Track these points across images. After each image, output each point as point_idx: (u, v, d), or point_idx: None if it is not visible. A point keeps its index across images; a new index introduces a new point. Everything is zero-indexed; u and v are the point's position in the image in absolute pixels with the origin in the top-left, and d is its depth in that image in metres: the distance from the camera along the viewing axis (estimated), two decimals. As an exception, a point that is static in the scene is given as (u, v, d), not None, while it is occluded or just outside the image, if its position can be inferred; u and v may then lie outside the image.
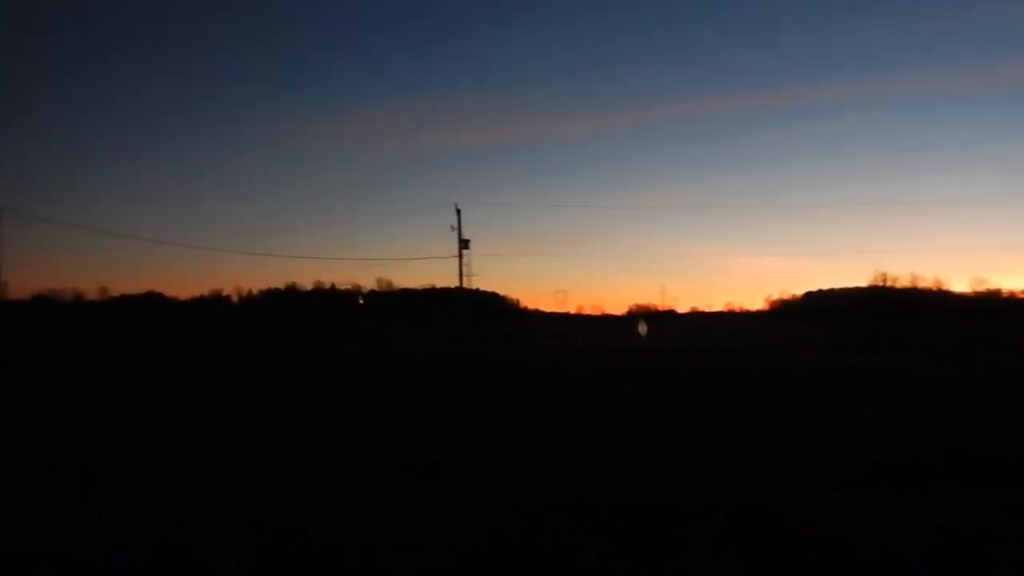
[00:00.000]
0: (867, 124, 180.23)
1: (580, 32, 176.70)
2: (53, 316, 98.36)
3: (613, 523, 5.74)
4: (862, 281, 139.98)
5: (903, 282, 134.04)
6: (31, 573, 4.72)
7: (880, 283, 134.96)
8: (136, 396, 15.08)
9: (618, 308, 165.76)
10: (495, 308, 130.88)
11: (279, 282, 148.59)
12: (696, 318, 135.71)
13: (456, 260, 60.91)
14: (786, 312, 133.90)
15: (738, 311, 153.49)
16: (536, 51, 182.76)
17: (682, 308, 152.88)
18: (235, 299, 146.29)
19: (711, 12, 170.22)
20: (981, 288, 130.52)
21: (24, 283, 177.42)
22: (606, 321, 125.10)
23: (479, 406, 13.44)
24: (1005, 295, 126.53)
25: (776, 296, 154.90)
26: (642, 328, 47.07)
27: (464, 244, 60.25)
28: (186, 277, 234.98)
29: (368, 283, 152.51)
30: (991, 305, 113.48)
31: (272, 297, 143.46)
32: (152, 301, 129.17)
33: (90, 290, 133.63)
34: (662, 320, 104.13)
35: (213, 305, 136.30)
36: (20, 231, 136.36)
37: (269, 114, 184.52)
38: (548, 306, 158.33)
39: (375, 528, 5.59)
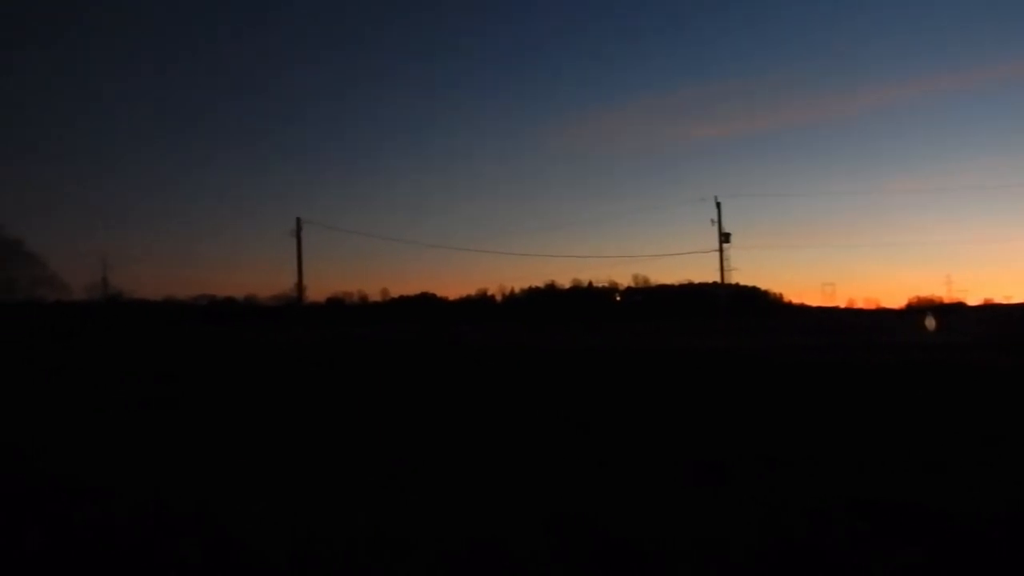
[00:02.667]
0: None
1: (843, 10, 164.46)
2: (343, 316, 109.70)
3: (926, 532, 5.16)
4: None
5: None
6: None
7: None
8: (413, 393, 16.24)
9: (896, 301, 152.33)
10: (757, 303, 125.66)
11: (539, 281, 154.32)
12: (991, 310, 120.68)
13: (715, 254, 59.32)
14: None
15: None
16: (795, 33, 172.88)
17: (973, 300, 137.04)
18: (499, 298, 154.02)
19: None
20: None
21: (320, 287, 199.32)
22: (882, 315, 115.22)
23: (747, 403, 12.86)
24: None
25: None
26: (929, 322, 42.64)
27: (725, 238, 58.41)
28: (455, 278, 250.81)
29: (624, 280, 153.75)
30: None
31: (533, 295, 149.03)
32: (425, 301, 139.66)
33: (373, 292, 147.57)
34: (949, 313, 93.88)
35: (479, 304, 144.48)
36: (317, 240, 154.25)
37: (529, 118, 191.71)
38: (815, 300, 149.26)
39: (675, 528, 5.46)
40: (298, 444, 9.16)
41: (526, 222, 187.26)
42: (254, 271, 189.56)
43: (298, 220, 62.82)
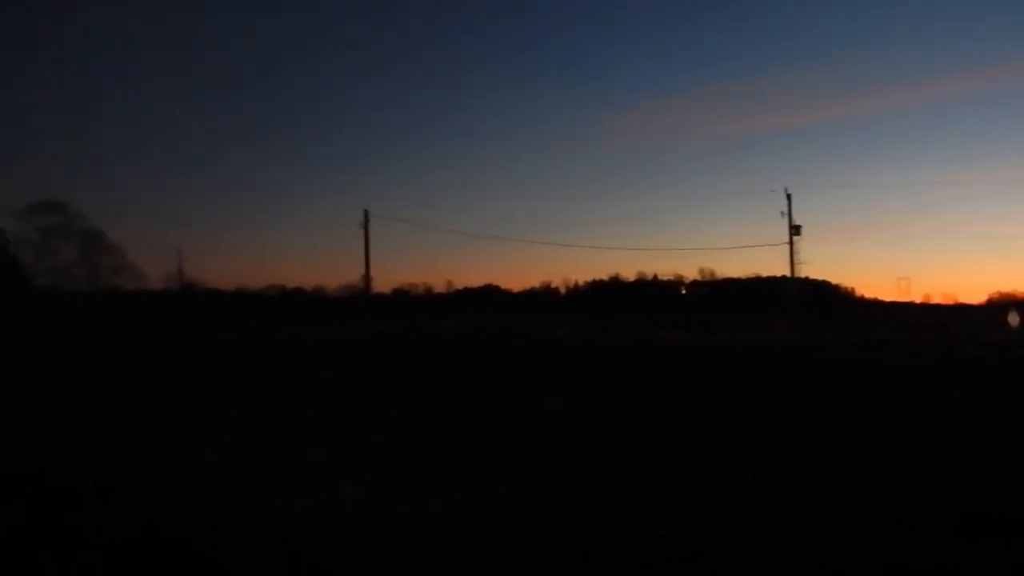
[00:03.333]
0: None
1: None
2: (408, 307, 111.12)
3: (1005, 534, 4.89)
4: None
5: None
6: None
7: None
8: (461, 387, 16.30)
9: (975, 296, 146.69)
10: (827, 297, 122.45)
11: (603, 273, 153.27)
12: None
13: (784, 247, 58.01)
14: None
15: None
16: (864, 17, 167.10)
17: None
18: (562, 290, 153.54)
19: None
20: None
21: (386, 279, 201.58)
22: (961, 311, 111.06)
23: (806, 401, 12.51)
24: None
25: None
26: (1012, 319, 40.75)
27: (795, 230, 57.13)
28: (520, 270, 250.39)
29: (690, 273, 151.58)
30: None
31: (596, 288, 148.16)
32: (489, 293, 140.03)
33: (438, 284, 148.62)
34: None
35: (543, 296, 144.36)
36: (384, 232, 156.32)
37: (590, 108, 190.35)
38: (889, 295, 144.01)
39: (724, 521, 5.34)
40: (337, 440, 9.25)
41: (591, 214, 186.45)
42: (323, 262, 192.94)
43: (366, 212, 63.90)
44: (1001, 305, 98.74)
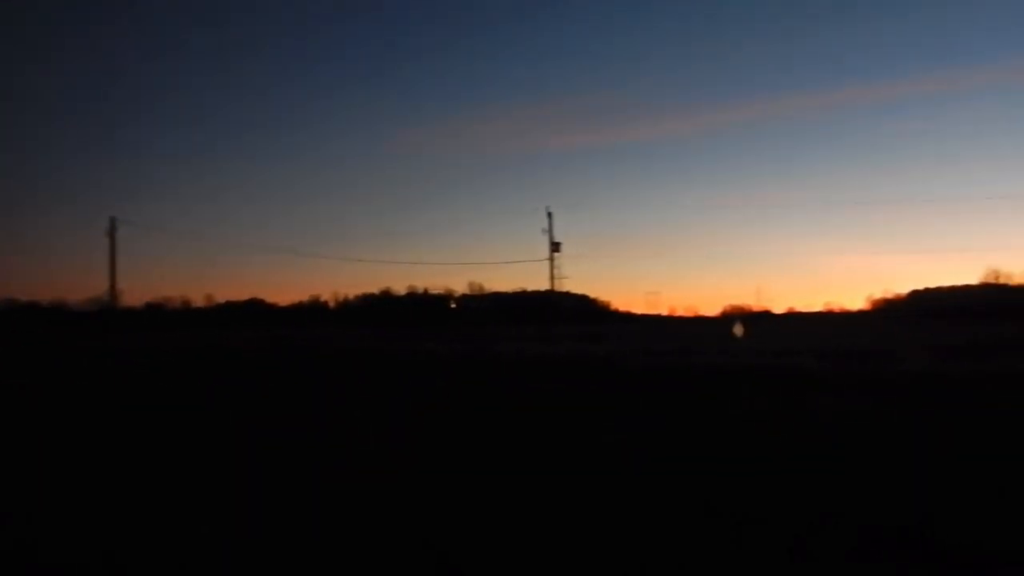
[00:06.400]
0: (974, 115, 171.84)
1: (672, 31, 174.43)
2: (163, 322, 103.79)
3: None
4: (972, 279, 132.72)
5: (1018, 279, 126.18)
6: None
7: (992, 281, 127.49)
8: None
9: (712, 309, 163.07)
10: (585, 311, 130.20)
11: (374, 287, 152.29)
12: (794, 319, 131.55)
13: (547, 263, 60.95)
14: (891, 312, 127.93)
15: (838, 311, 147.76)
16: (628, 52, 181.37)
17: (779, 308, 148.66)
18: (332, 304, 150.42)
19: (801, 9, 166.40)
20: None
21: (137, 291, 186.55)
22: (699, 323, 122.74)
23: (580, 409, 13.28)
24: None
25: (880, 295, 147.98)
26: (738, 329, 45.82)
27: (555, 247, 60.24)
28: (288, 283, 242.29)
29: (460, 287, 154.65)
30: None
31: (367, 302, 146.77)
32: (254, 307, 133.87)
33: (197, 297, 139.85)
34: (758, 321, 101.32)
35: (311, 310, 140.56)
36: (134, 241, 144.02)
37: (362, 122, 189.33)
38: (640, 308, 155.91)
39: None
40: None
41: (363, 227, 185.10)
42: (63, 273, 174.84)
43: (112, 219, 58.96)
44: (732, 317, 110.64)
